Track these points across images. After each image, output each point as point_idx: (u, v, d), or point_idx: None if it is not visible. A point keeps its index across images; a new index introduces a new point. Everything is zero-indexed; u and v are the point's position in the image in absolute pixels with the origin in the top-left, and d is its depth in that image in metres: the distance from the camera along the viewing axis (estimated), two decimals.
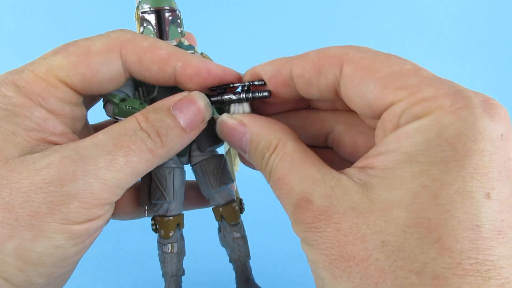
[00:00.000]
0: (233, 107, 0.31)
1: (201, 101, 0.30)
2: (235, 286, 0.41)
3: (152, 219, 0.38)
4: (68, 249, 0.25)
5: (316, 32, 1.06)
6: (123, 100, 0.33)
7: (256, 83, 0.30)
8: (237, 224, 0.38)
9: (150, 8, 0.35)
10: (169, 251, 0.37)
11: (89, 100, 0.35)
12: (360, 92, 0.25)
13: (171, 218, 0.37)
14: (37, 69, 0.29)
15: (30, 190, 0.24)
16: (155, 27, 0.35)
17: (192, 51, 0.36)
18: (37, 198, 0.24)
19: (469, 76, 1.09)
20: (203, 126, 0.31)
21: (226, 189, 0.38)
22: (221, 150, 0.39)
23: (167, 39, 0.35)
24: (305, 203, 0.24)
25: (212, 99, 0.32)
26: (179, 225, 0.38)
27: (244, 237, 0.39)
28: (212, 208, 0.39)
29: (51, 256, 0.25)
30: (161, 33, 0.35)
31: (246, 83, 0.31)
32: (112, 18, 1.03)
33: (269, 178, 0.27)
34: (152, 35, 0.35)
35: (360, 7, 1.07)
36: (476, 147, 0.22)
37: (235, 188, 0.40)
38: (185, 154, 0.37)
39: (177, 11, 0.36)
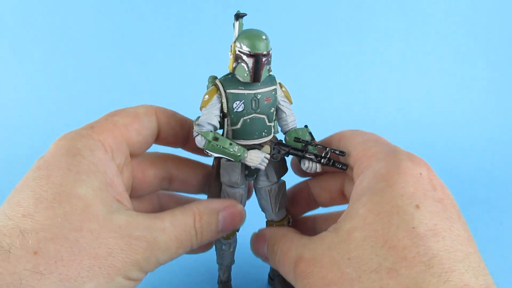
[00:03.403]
0: (307, 163, 0.39)
1: (239, 213, 0.40)
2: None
3: None
4: None
5: (317, 30, 1.06)
6: (216, 139, 0.38)
7: (337, 152, 0.37)
8: None
9: (249, 52, 0.37)
10: (228, 249, 0.45)
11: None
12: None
13: None
14: (106, 126, 0.37)
15: (114, 248, 0.30)
16: (250, 71, 0.37)
17: (274, 86, 0.40)
18: (118, 256, 0.30)
19: (469, 76, 1.09)
20: (230, 231, 0.41)
21: (282, 210, 0.44)
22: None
23: (259, 81, 0.38)
24: (300, 260, 0.32)
25: (292, 151, 0.39)
26: (237, 230, 0.45)
27: None
28: (267, 221, 0.45)
29: None
30: (256, 76, 0.37)
31: (328, 149, 0.37)
32: (111, 18, 1.03)
33: (277, 262, 0.36)
34: (246, 74, 0.37)
35: (361, 6, 1.07)
36: (401, 179, 0.31)
37: None
38: (253, 176, 0.42)
39: (270, 51, 0.38)
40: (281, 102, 0.40)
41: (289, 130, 0.41)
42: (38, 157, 0.34)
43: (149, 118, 0.40)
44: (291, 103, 0.41)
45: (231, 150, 0.38)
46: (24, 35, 1.02)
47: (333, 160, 0.38)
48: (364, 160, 0.34)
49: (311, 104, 1.02)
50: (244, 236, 0.46)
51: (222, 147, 0.38)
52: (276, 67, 0.40)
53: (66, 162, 0.32)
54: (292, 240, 0.35)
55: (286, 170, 0.43)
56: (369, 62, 1.08)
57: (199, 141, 0.38)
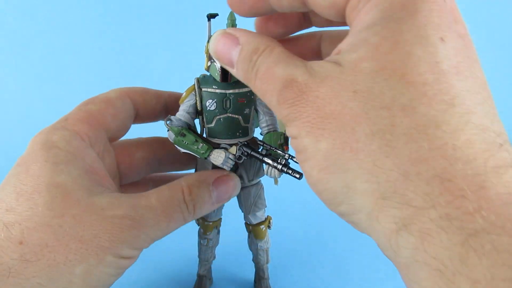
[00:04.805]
0: (266, 168, 0.38)
1: (232, 182, 0.39)
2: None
3: None
4: (112, 277, 0.32)
5: None
6: (182, 134, 0.39)
7: (295, 159, 0.36)
8: (262, 240, 0.46)
9: None
10: (205, 244, 0.46)
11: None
12: None
13: (210, 223, 0.45)
14: (80, 115, 0.37)
15: (99, 230, 0.31)
16: (219, 71, 0.37)
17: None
18: (104, 236, 0.31)
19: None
20: (226, 201, 0.40)
21: (258, 213, 0.44)
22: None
23: (228, 81, 0.38)
24: (290, 83, 0.26)
25: (253, 153, 0.38)
26: (217, 226, 0.46)
27: (266, 250, 0.46)
28: (245, 222, 0.46)
29: (102, 280, 0.31)
30: (224, 76, 0.38)
31: (286, 156, 0.37)
32: (109, 18, 1.03)
33: (255, 78, 0.29)
34: (216, 74, 0.38)
35: None
36: (425, 6, 0.24)
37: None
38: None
39: None
40: (259, 105, 0.40)
41: (266, 133, 0.40)
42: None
43: (123, 101, 0.40)
44: None
45: (195, 147, 0.39)
46: (18, 33, 1.02)
47: (289, 167, 0.37)
48: None
49: None
50: (227, 233, 0.47)
51: (187, 144, 0.39)
52: None
53: (43, 156, 0.33)
54: (280, 55, 0.28)
55: (262, 174, 0.42)
56: None
57: (170, 136, 0.39)
